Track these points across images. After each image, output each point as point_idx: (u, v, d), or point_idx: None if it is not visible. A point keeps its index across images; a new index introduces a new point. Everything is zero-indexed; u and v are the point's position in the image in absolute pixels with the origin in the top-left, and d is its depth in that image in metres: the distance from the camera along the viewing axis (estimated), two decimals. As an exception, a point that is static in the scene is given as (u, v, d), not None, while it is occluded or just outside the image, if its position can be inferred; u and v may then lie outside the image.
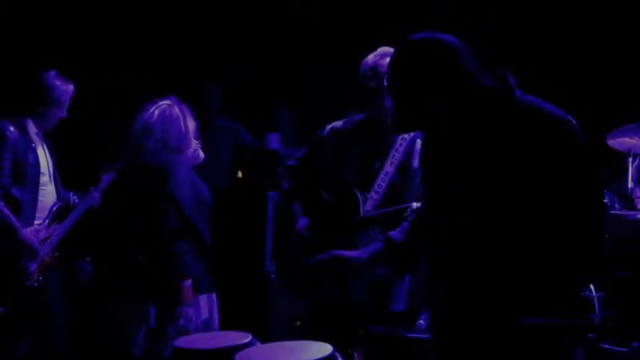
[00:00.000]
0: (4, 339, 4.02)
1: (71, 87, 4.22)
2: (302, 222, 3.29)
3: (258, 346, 2.77)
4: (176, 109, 3.66)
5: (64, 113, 4.21)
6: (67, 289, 4.33)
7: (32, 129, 4.13)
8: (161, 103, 3.67)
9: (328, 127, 3.43)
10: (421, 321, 3.97)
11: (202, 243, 3.57)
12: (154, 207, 3.50)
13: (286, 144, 6.08)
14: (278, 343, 2.81)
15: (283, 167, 3.55)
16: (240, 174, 5.82)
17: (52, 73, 4.17)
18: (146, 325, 3.50)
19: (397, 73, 2.14)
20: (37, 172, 4.10)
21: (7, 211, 3.93)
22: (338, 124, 3.41)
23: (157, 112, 3.62)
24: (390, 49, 3.30)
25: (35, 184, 4.09)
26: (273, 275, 5.08)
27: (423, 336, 3.04)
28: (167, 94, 3.71)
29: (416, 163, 3.23)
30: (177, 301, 3.51)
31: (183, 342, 2.86)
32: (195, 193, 3.59)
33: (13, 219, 3.95)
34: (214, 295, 3.70)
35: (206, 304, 3.65)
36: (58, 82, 4.15)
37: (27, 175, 4.03)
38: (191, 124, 3.66)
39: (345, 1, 6.24)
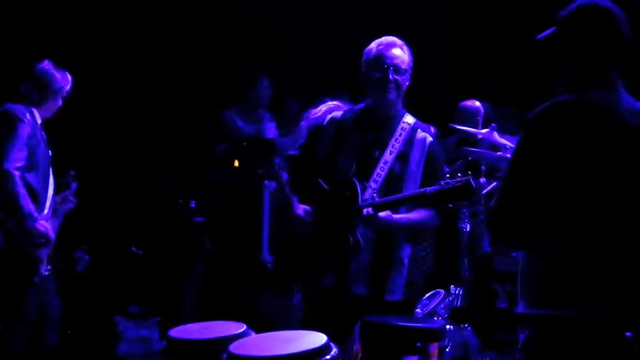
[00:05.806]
0: (6, 333, 3.96)
1: (70, 77, 4.15)
2: (301, 208, 3.27)
3: (253, 336, 2.76)
4: None
5: (60, 103, 4.16)
6: (63, 279, 4.29)
7: (38, 119, 4.08)
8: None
9: (328, 116, 3.39)
10: (418, 310, 3.96)
11: None
12: None
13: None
14: (272, 332, 2.79)
15: (284, 157, 3.52)
16: (236, 163, 5.79)
17: (49, 62, 4.09)
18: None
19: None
20: (48, 162, 4.06)
21: (27, 198, 3.84)
22: (337, 113, 3.37)
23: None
24: (395, 39, 3.23)
25: (47, 173, 4.04)
26: (269, 264, 5.05)
27: (420, 325, 3.02)
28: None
29: (416, 153, 3.21)
30: None
31: (178, 332, 2.84)
32: None
33: (32, 206, 3.86)
34: None
35: None
36: (59, 73, 4.09)
37: (39, 163, 3.97)
38: None
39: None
